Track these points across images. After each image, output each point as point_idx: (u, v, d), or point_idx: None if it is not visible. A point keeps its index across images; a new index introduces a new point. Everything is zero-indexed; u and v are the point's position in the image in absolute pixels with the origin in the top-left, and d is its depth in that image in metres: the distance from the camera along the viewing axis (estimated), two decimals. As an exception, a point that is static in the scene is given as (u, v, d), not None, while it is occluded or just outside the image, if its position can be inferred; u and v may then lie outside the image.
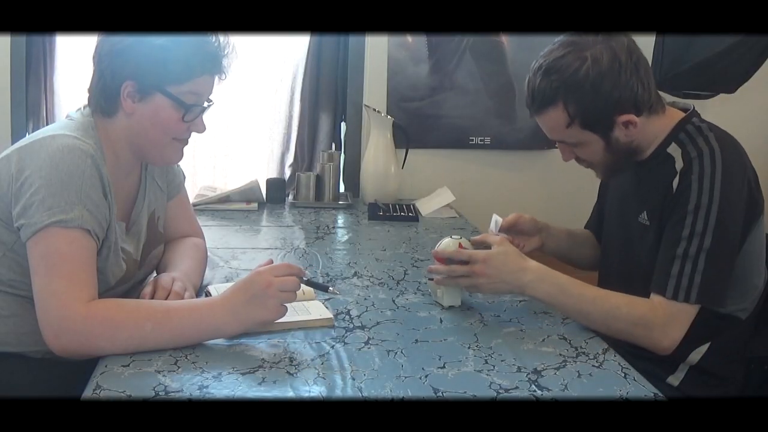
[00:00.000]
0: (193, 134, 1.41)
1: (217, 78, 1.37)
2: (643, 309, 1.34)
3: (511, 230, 1.62)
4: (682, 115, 1.47)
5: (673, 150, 1.43)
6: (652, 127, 1.44)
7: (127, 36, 1.28)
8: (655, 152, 1.46)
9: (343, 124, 2.67)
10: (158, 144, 1.36)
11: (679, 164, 1.40)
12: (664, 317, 1.33)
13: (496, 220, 1.62)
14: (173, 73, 1.30)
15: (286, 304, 1.22)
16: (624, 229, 1.56)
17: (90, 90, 1.35)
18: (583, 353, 1.25)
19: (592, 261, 1.76)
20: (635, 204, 1.52)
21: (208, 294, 1.45)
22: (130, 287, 1.42)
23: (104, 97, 1.32)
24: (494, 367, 1.17)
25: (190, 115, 1.34)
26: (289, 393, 1.06)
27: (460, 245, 1.41)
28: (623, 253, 1.57)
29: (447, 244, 1.42)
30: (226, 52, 1.35)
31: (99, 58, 1.32)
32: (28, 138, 1.29)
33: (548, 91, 1.37)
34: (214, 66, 1.35)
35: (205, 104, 1.38)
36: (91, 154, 1.23)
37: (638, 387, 1.13)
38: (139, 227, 1.44)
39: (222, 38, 1.34)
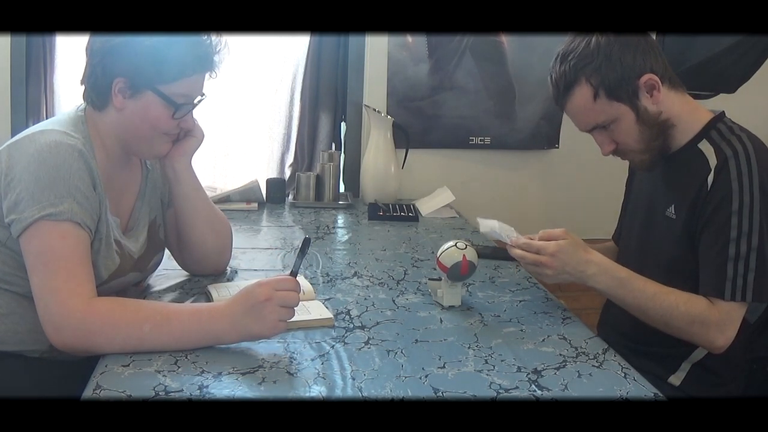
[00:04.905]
0: None
1: (207, 75, 1.38)
2: (700, 307, 1.36)
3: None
4: (711, 114, 1.49)
5: (705, 147, 1.44)
6: (680, 104, 1.46)
7: (120, 33, 1.28)
8: (685, 147, 1.47)
9: (343, 124, 2.67)
10: (147, 139, 1.37)
11: (712, 161, 1.41)
12: (719, 316, 1.35)
13: (497, 228, 1.53)
14: (165, 72, 1.30)
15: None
16: (647, 223, 1.57)
17: (83, 82, 1.36)
18: (583, 353, 1.24)
19: None
20: (663, 199, 1.52)
21: (207, 294, 1.45)
22: (125, 287, 1.42)
23: (95, 91, 1.33)
24: (494, 367, 1.17)
25: (180, 113, 1.35)
26: (289, 393, 1.06)
27: (464, 257, 1.39)
28: (641, 246, 1.58)
29: (450, 253, 1.41)
30: (218, 50, 1.35)
31: (91, 52, 1.32)
32: (20, 134, 1.30)
33: (568, 72, 1.43)
34: (205, 65, 1.36)
35: (196, 100, 1.38)
36: (79, 149, 1.24)
37: (638, 387, 1.13)
38: (138, 231, 1.45)
39: (214, 36, 1.34)
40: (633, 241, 1.61)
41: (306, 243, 1.22)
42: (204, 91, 1.39)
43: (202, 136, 1.48)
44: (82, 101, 1.38)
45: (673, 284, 1.44)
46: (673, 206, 1.48)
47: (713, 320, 1.35)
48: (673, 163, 1.50)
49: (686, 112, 1.47)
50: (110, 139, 1.36)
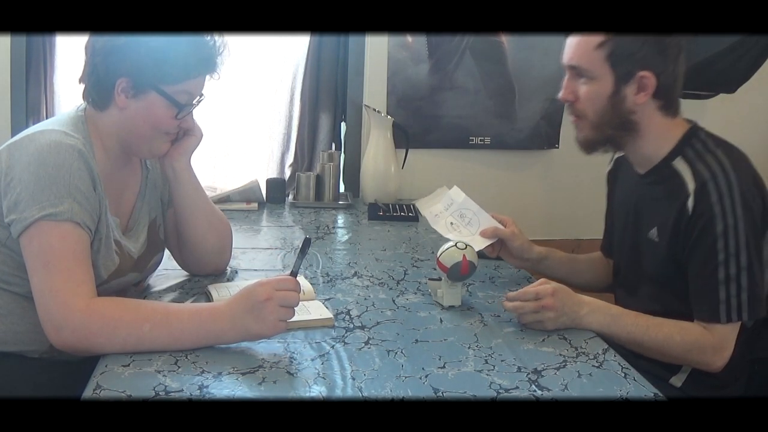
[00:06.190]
0: None
1: (209, 76, 1.38)
2: (695, 334, 1.37)
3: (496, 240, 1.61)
4: (686, 126, 1.47)
5: (680, 166, 1.43)
6: (658, 122, 1.44)
7: (119, 33, 1.28)
8: (660, 165, 1.46)
9: (343, 124, 2.67)
10: (147, 139, 1.37)
11: (690, 184, 1.39)
12: (714, 340, 1.36)
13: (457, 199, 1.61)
14: (169, 73, 1.31)
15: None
16: (633, 244, 1.56)
17: (82, 81, 1.36)
18: (583, 353, 1.24)
19: (594, 284, 1.75)
20: (644, 219, 1.52)
21: (207, 294, 1.45)
22: (124, 287, 1.42)
23: (97, 91, 1.33)
24: (494, 367, 1.17)
25: (182, 114, 1.36)
26: (289, 393, 1.06)
27: (464, 257, 1.39)
28: (631, 265, 1.58)
29: (450, 253, 1.41)
30: (221, 52, 1.36)
31: (92, 52, 1.32)
32: (20, 134, 1.30)
33: None
34: (209, 67, 1.36)
35: (196, 101, 1.38)
36: (79, 149, 1.24)
37: (638, 387, 1.13)
38: (138, 231, 1.45)
39: (217, 38, 1.35)
40: (623, 260, 1.62)
41: (306, 243, 1.22)
42: (204, 91, 1.39)
43: (201, 135, 1.48)
44: (82, 101, 1.38)
45: (666, 300, 1.43)
46: (655, 229, 1.47)
47: (709, 345, 1.36)
48: (650, 181, 1.49)
49: (661, 132, 1.45)
50: (111, 138, 1.36)
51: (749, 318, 1.36)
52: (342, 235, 2.12)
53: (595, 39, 1.40)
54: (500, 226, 1.62)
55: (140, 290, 1.50)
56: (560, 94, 1.49)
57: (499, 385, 1.11)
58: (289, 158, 2.63)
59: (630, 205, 1.59)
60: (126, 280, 1.41)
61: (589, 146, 1.50)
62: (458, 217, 1.64)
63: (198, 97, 1.38)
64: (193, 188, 1.50)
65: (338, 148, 2.64)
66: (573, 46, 1.45)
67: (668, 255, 1.44)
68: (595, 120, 1.45)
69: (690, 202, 1.38)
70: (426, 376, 1.13)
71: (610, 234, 1.72)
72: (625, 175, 1.63)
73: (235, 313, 1.17)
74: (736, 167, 1.38)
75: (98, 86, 1.32)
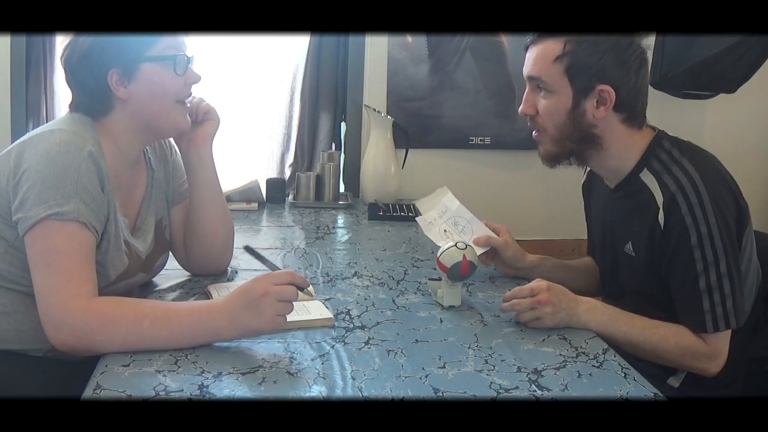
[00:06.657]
0: None
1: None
2: (690, 339, 1.37)
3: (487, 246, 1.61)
4: (649, 136, 1.45)
5: (647, 179, 1.42)
6: (621, 135, 1.42)
7: (86, 36, 1.29)
8: (628, 178, 1.45)
9: (343, 124, 2.67)
10: (166, 111, 1.37)
11: (659, 198, 1.38)
12: (708, 348, 1.36)
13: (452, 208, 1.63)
14: (144, 37, 1.31)
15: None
16: (611, 256, 1.56)
17: (75, 103, 1.35)
18: (583, 353, 1.24)
19: (587, 289, 1.73)
20: (619, 234, 1.52)
21: (207, 294, 1.45)
22: (131, 288, 1.42)
23: (96, 99, 1.33)
24: (494, 367, 1.17)
25: (180, 67, 1.35)
26: (289, 393, 1.06)
27: (464, 257, 1.39)
28: (612, 277, 1.58)
29: (450, 253, 1.40)
30: None
31: (72, 69, 1.33)
32: (29, 134, 1.30)
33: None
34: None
35: (185, 55, 1.37)
36: (89, 149, 1.24)
37: (638, 387, 1.13)
38: (146, 231, 1.45)
39: None
40: (606, 271, 1.62)
41: (248, 249, 1.33)
42: (189, 50, 1.38)
43: (219, 118, 1.51)
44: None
45: (649, 311, 1.42)
46: (630, 243, 1.47)
47: (703, 352, 1.36)
48: (620, 195, 1.49)
49: (626, 144, 1.43)
50: (126, 138, 1.36)
51: (738, 325, 1.35)
52: (342, 235, 2.12)
53: (554, 51, 1.38)
54: (493, 235, 1.61)
55: (141, 290, 1.50)
56: (520, 108, 1.47)
57: (499, 385, 1.11)
58: (289, 158, 2.63)
59: (605, 219, 1.58)
60: (134, 281, 1.41)
61: (551, 160, 1.48)
62: (452, 224, 1.64)
63: (184, 52, 1.37)
64: (214, 177, 1.52)
65: (338, 148, 2.65)
66: (532, 58, 1.43)
67: (647, 269, 1.44)
68: (556, 134, 1.43)
69: (660, 217, 1.37)
70: (426, 376, 1.13)
71: (593, 243, 1.72)
72: (598, 188, 1.62)
73: (232, 310, 1.17)
74: (704, 175, 1.36)
75: (94, 94, 1.32)
